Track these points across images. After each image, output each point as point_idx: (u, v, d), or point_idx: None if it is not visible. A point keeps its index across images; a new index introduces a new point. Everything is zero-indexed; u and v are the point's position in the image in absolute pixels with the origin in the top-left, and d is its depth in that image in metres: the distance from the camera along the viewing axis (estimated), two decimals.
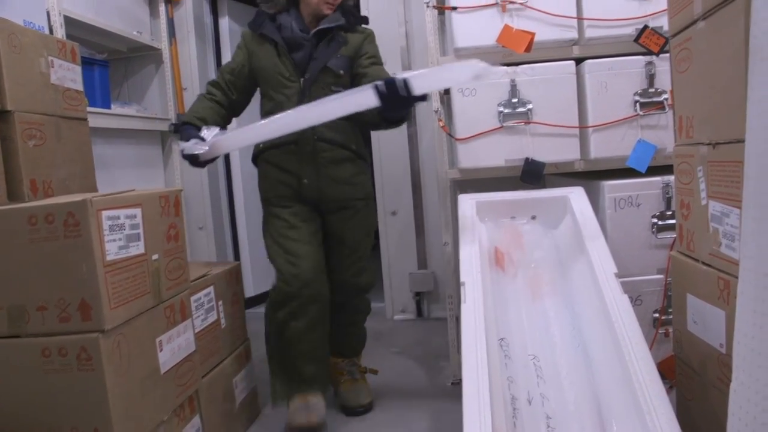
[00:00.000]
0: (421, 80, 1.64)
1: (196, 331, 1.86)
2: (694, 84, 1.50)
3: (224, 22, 3.98)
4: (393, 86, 1.61)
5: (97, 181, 2.04)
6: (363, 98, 1.67)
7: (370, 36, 2.27)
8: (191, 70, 3.72)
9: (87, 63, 2.97)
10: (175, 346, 1.66)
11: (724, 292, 1.36)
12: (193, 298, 1.85)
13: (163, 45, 3.62)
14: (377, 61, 2.26)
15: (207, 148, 1.89)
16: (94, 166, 2.04)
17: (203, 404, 1.85)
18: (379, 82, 1.62)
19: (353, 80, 2.20)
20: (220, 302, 2.08)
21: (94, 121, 2.83)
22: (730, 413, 1.10)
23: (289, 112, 1.82)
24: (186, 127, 2.03)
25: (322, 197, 2.17)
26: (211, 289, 2.01)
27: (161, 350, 1.58)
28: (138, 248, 1.51)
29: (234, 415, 2.10)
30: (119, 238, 1.43)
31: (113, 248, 1.40)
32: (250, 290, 4.16)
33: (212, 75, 3.95)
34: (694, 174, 1.52)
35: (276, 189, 2.18)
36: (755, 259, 1.03)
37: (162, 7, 3.61)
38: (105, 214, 1.38)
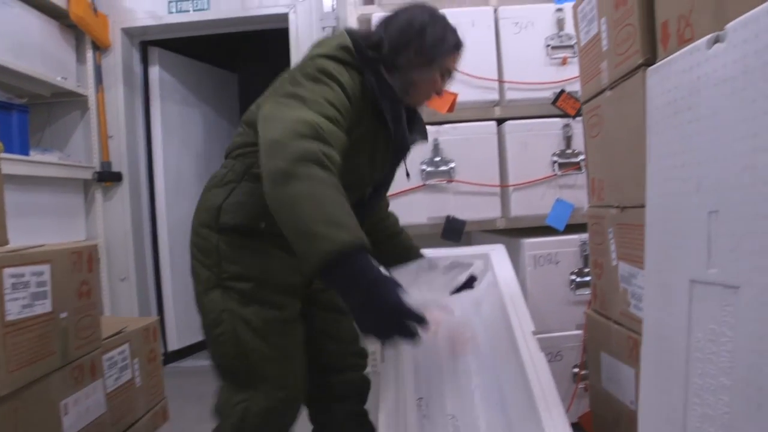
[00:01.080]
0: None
1: (109, 390, 1.77)
2: (604, 149, 1.57)
3: (154, 71, 3.94)
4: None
5: (11, 231, 1.93)
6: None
7: None
8: (118, 118, 3.64)
9: (4, 107, 2.88)
10: (82, 409, 1.58)
11: (634, 351, 1.40)
12: (105, 357, 1.77)
13: (90, 92, 3.54)
14: None
15: None
16: (8, 215, 1.94)
17: None
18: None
19: None
20: (136, 360, 2.00)
21: (10, 168, 2.74)
22: None
23: None
24: (367, 259, 1.09)
25: None
26: (126, 346, 1.93)
27: (66, 414, 1.50)
28: (44, 307, 1.44)
29: None
30: (23, 296, 1.36)
31: (15, 307, 1.33)
32: (174, 343, 4.04)
33: (140, 124, 3.89)
34: (605, 235, 1.58)
35: (285, 276, 1.47)
36: (655, 322, 1.07)
37: (89, 54, 3.54)
38: (7, 271, 1.32)
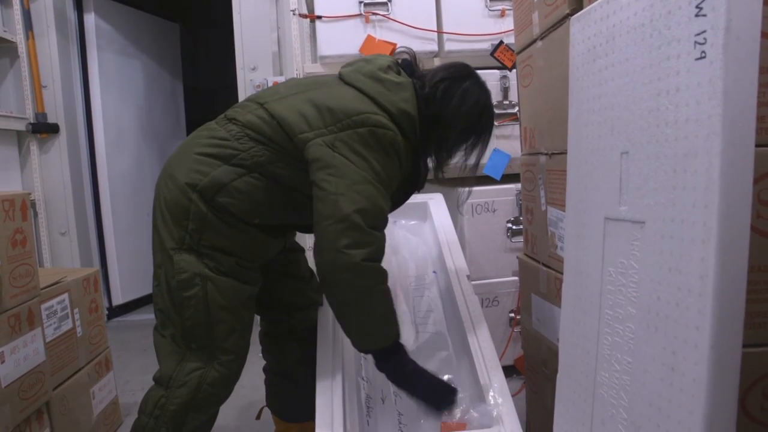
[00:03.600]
0: None
1: (48, 340, 1.77)
2: (534, 98, 1.62)
3: (90, 19, 3.78)
4: None
5: None
6: None
7: None
8: (52, 67, 3.51)
9: None
10: (20, 357, 1.58)
11: (560, 290, 1.47)
12: (44, 306, 1.77)
13: (19, 38, 3.38)
14: None
15: None
16: None
17: (55, 416, 1.77)
18: None
19: None
20: (76, 310, 1.99)
21: None
22: (556, 400, 1.20)
23: None
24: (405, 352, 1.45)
25: None
26: (65, 296, 1.93)
27: (3, 362, 1.50)
28: None
29: (92, 426, 2.02)
30: None
31: None
32: (118, 298, 4.00)
33: (76, 73, 3.77)
34: (536, 182, 1.64)
35: (266, 254, 1.53)
36: (574, 259, 1.14)
37: None
38: None
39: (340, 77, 1.47)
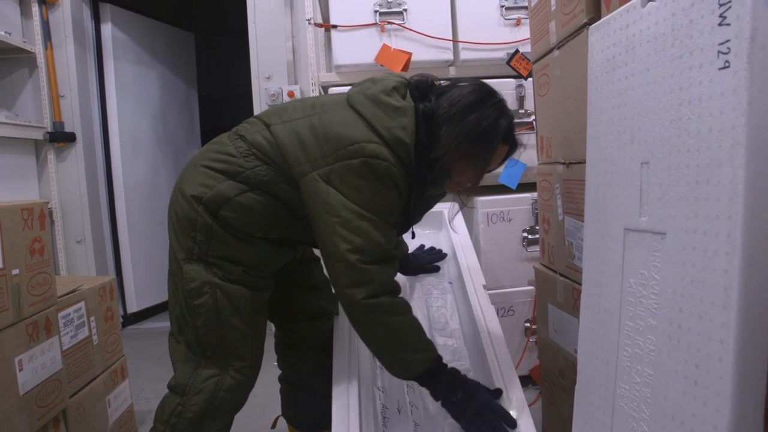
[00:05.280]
0: None
1: (65, 348, 1.78)
2: (551, 107, 1.61)
3: (107, 29, 3.82)
4: None
5: None
6: None
7: None
8: (69, 77, 3.54)
9: None
10: (38, 366, 1.59)
11: (577, 301, 1.46)
12: (61, 314, 1.77)
13: (37, 48, 3.42)
14: None
15: None
16: None
17: (71, 424, 1.77)
18: None
19: None
20: (92, 318, 2.00)
21: None
22: (575, 413, 1.19)
23: None
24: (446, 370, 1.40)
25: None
26: (81, 304, 1.93)
27: (21, 370, 1.51)
28: None
29: None
30: None
31: None
32: (132, 306, 4.02)
33: (93, 83, 3.80)
34: (552, 191, 1.63)
35: (275, 264, 1.52)
36: (593, 270, 1.12)
37: (35, 8, 3.39)
38: None
39: (347, 98, 1.43)
